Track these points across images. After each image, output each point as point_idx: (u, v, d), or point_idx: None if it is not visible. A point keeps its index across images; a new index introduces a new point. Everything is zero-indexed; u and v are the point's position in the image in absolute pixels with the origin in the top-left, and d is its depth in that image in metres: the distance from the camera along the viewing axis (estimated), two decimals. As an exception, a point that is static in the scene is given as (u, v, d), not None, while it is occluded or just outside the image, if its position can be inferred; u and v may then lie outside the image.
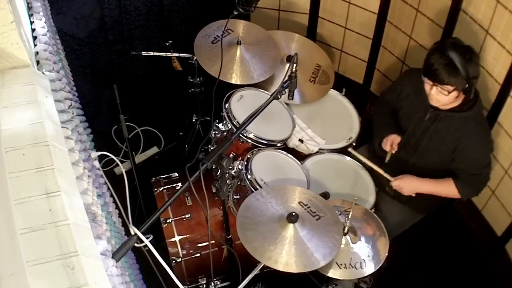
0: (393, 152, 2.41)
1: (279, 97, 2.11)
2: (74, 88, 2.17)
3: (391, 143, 2.40)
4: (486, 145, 2.26)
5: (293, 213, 1.96)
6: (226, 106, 2.56)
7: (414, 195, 2.40)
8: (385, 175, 2.46)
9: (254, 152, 2.45)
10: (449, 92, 2.07)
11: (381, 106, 2.62)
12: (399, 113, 2.46)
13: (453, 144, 2.23)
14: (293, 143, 2.64)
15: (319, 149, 2.66)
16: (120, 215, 1.88)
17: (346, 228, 2.09)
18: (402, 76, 2.52)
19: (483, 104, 2.26)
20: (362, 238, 2.13)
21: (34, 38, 1.78)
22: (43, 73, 1.63)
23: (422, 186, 2.38)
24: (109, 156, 1.84)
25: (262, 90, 2.73)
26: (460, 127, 2.20)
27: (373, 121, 2.64)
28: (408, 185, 2.39)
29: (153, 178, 2.72)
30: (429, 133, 2.30)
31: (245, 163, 2.39)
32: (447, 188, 2.34)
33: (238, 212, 2.06)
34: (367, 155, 2.65)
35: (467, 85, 2.04)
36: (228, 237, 2.27)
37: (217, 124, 2.62)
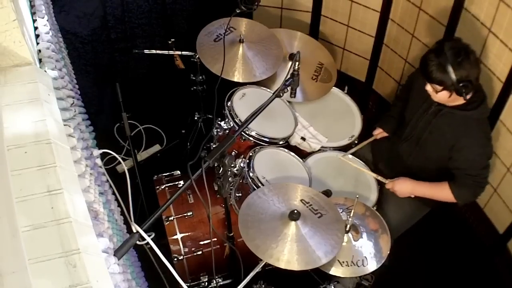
0: (376, 137, 2.67)
1: (282, 95, 2.11)
2: (77, 86, 2.17)
3: (378, 132, 2.66)
4: (483, 147, 2.22)
5: (295, 211, 1.96)
6: (228, 104, 2.56)
7: (413, 196, 2.40)
8: (379, 178, 2.48)
9: (256, 150, 2.46)
10: (437, 92, 2.09)
11: (395, 101, 2.70)
12: (408, 105, 2.47)
13: (452, 141, 2.22)
14: (295, 141, 2.64)
15: (321, 147, 2.66)
16: (122, 213, 1.89)
17: (348, 226, 2.09)
18: (416, 70, 2.53)
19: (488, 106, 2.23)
20: (364, 236, 2.13)
21: (37, 36, 1.78)
22: (45, 71, 1.63)
23: (417, 188, 2.38)
24: (111, 154, 1.84)
25: (264, 88, 2.73)
26: (461, 125, 2.19)
27: None
28: (403, 187, 2.39)
29: (155, 176, 2.73)
30: (430, 126, 2.29)
31: (247, 161, 2.39)
32: (442, 192, 2.31)
33: (240, 210, 2.06)
34: (369, 151, 2.67)
35: (460, 85, 2.03)
36: (230, 235, 2.28)
37: (219, 122, 2.63)
